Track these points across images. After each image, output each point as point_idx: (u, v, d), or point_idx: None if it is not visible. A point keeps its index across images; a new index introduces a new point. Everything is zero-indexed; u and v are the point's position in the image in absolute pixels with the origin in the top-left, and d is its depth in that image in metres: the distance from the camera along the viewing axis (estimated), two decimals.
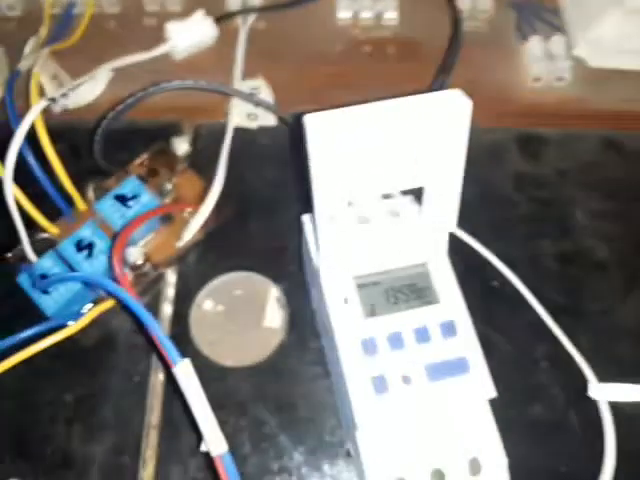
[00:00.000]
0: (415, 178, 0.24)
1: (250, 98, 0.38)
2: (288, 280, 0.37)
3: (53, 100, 0.35)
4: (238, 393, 0.34)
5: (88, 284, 0.33)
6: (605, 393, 0.28)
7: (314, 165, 0.21)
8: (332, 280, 0.27)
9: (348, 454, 0.32)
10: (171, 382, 0.34)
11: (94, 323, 0.35)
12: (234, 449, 0.32)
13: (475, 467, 0.26)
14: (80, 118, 0.39)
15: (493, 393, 0.26)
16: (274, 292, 0.37)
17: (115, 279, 0.28)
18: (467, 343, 0.26)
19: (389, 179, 0.23)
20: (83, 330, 0.34)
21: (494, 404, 0.27)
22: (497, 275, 0.36)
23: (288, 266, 0.37)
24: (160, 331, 0.25)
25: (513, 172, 0.41)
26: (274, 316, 0.37)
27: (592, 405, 0.32)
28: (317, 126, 0.20)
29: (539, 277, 0.36)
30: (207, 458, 0.25)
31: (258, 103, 0.38)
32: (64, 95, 0.36)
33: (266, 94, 0.41)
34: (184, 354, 0.25)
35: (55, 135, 0.35)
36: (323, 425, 0.33)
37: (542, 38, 0.45)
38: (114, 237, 0.33)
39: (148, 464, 0.33)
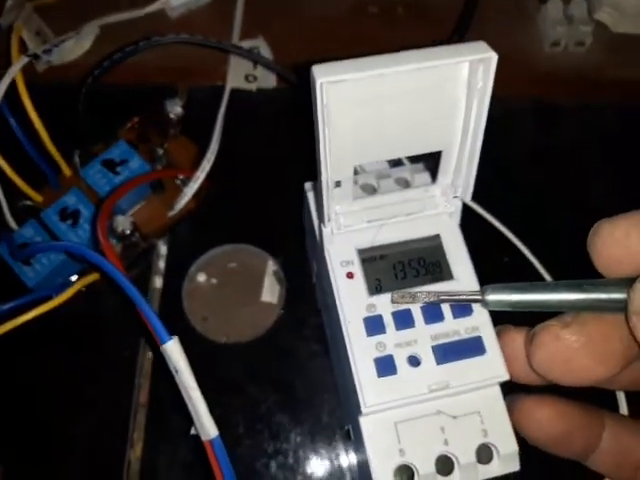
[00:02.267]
0: (432, 141, 0.22)
1: (250, 55, 0.35)
2: (286, 253, 0.35)
3: (35, 56, 0.33)
4: (232, 371, 0.33)
5: (71, 255, 0.31)
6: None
7: (320, 120, 0.19)
8: (335, 253, 0.25)
9: (348, 436, 0.31)
10: (161, 359, 0.33)
11: (79, 296, 0.33)
12: (227, 430, 0.31)
13: (484, 454, 0.24)
14: (66, 78, 0.36)
15: (506, 376, 0.24)
16: (271, 265, 0.35)
17: (100, 249, 0.26)
18: (482, 323, 0.24)
19: (403, 141, 0.21)
20: (68, 303, 0.32)
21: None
22: (507, 250, 0.34)
23: (286, 238, 0.35)
24: (147, 306, 0.23)
25: (527, 143, 0.39)
26: (271, 291, 0.35)
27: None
28: (326, 76, 0.18)
29: (552, 253, 0.34)
30: (197, 440, 0.23)
31: (258, 60, 0.36)
32: (47, 51, 0.33)
33: (266, 54, 0.38)
34: (175, 330, 0.23)
35: (39, 96, 0.32)
36: (321, 405, 0.32)
37: (562, 0, 0.42)
38: (99, 204, 0.31)
39: (136, 445, 0.31)
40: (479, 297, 0.21)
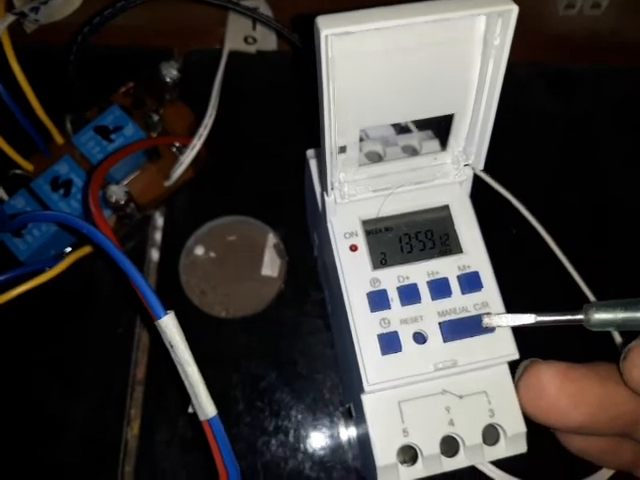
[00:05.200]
0: (444, 103, 0.20)
1: (249, 12, 0.33)
2: (287, 225, 0.34)
3: (22, 14, 0.31)
4: (232, 347, 0.32)
5: (63, 225, 0.30)
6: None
7: (324, 77, 0.17)
8: (338, 224, 0.23)
9: (349, 414, 0.30)
10: (158, 334, 0.32)
11: (73, 269, 0.32)
12: (226, 407, 0.30)
13: (491, 435, 0.23)
14: (56, 38, 0.34)
15: (516, 355, 0.23)
16: (272, 238, 0.34)
17: (92, 220, 0.24)
18: (492, 299, 0.22)
19: (413, 103, 0.20)
20: (61, 276, 0.31)
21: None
22: (515, 221, 0.33)
23: (288, 210, 0.34)
24: (141, 279, 0.21)
25: (538, 110, 0.37)
26: (272, 264, 0.34)
27: None
28: (331, 27, 0.16)
29: (562, 225, 0.33)
30: (195, 416, 0.22)
31: (258, 18, 0.34)
32: (34, 9, 0.31)
33: (266, 14, 0.36)
34: (173, 305, 0.22)
35: (28, 58, 0.31)
36: (323, 382, 0.31)
37: None
38: (91, 172, 0.30)
39: (133, 423, 0.30)
40: (581, 317, 0.20)
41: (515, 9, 0.17)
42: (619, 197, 0.35)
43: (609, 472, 0.27)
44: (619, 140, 0.36)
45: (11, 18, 0.30)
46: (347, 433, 0.30)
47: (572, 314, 0.20)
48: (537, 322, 0.21)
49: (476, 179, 0.24)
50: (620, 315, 0.19)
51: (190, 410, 0.23)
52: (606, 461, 0.23)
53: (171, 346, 0.21)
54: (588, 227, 0.34)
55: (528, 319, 0.21)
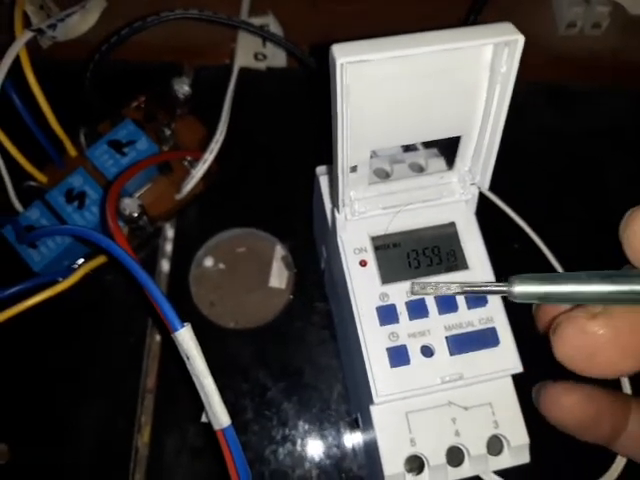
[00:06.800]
0: (451, 126, 0.21)
1: (261, 31, 0.34)
2: (295, 238, 0.35)
3: (39, 31, 0.32)
4: (240, 357, 0.32)
5: (79, 238, 0.30)
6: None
7: (339, 103, 0.18)
8: (348, 240, 0.24)
9: (355, 424, 0.31)
10: (169, 344, 0.33)
11: (86, 279, 0.32)
12: (235, 417, 0.31)
13: (495, 446, 0.24)
14: (71, 54, 0.35)
15: (520, 368, 0.23)
16: (280, 250, 0.35)
17: (109, 233, 0.25)
18: (497, 314, 0.23)
19: (423, 125, 0.21)
20: (74, 287, 0.32)
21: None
22: (517, 237, 0.34)
23: (295, 223, 0.35)
24: (158, 292, 0.22)
25: (540, 128, 0.38)
26: (279, 276, 0.34)
27: None
28: (346, 56, 0.17)
29: (562, 241, 0.34)
30: (206, 426, 0.23)
31: (269, 37, 0.35)
32: (52, 26, 0.32)
33: (276, 31, 0.37)
34: (183, 315, 0.22)
35: (43, 73, 0.32)
36: (329, 392, 0.32)
37: None
38: (107, 187, 0.30)
39: (144, 430, 0.31)
40: (505, 288, 0.20)
41: (521, 39, 0.18)
42: (621, 213, 0.36)
43: None
44: (619, 159, 0.37)
45: (29, 35, 0.31)
46: (353, 443, 0.31)
47: (497, 285, 0.20)
48: (463, 292, 0.20)
49: (480, 196, 0.25)
50: (541, 288, 0.19)
51: (204, 419, 0.24)
52: (584, 434, 0.23)
53: (187, 358, 0.22)
54: (589, 243, 0.35)
55: (455, 289, 0.20)
